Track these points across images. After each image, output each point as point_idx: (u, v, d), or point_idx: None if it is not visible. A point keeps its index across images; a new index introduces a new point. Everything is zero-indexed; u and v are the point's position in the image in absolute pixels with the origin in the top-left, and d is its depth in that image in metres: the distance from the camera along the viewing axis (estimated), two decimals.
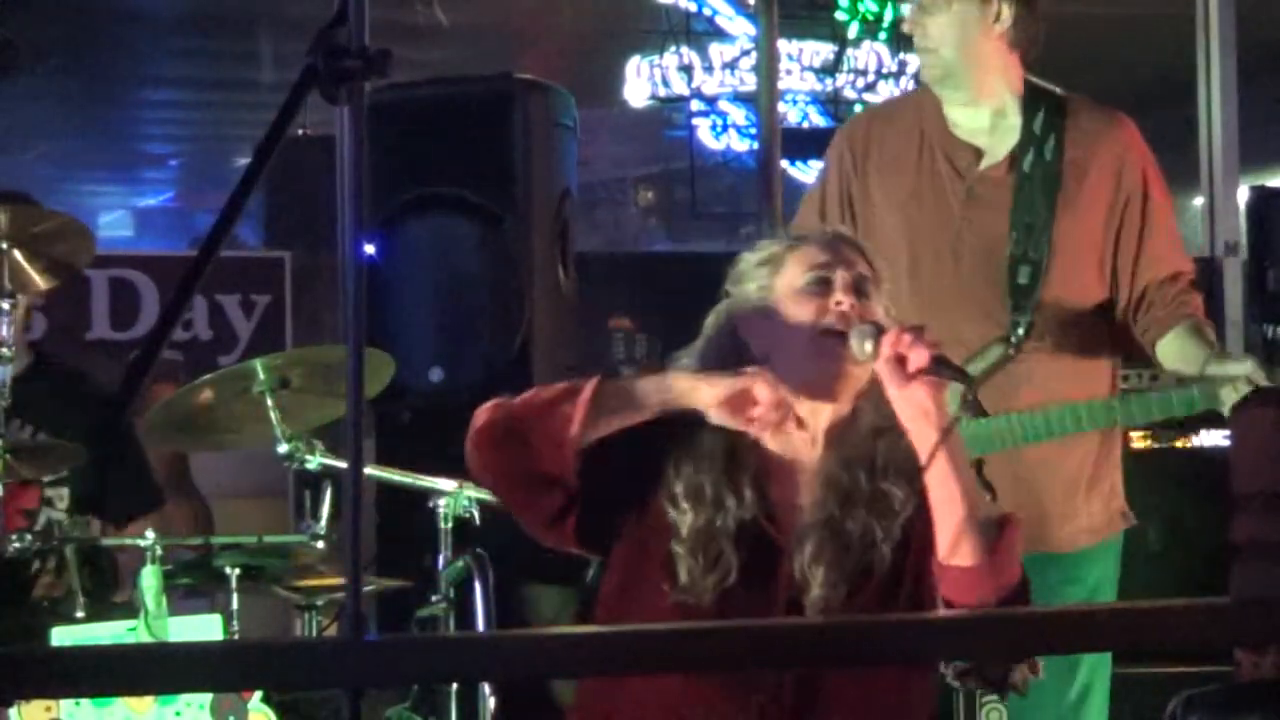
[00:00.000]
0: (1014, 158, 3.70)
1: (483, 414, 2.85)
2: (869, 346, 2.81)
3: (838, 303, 2.87)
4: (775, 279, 2.94)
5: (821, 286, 2.90)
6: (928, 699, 2.95)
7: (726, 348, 2.96)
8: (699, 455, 2.87)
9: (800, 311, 2.89)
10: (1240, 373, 3.52)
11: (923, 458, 2.77)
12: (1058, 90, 3.77)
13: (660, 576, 2.84)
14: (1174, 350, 3.67)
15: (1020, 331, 3.63)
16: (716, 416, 2.85)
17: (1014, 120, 3.72)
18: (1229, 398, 3.51)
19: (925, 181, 3.73)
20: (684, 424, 2.88)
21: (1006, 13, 3.68)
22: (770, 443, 2.89)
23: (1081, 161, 3.70)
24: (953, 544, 2.76)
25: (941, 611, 2.74)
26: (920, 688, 2.94)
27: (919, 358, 2.75)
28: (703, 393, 2.84)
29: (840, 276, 2.90)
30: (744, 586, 2.82)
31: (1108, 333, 3.76)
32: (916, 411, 2.76)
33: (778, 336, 2.90)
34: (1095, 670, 3.76)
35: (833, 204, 3.83)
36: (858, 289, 2.90)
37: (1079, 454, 3.70)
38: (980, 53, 3.69)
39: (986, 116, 3.74)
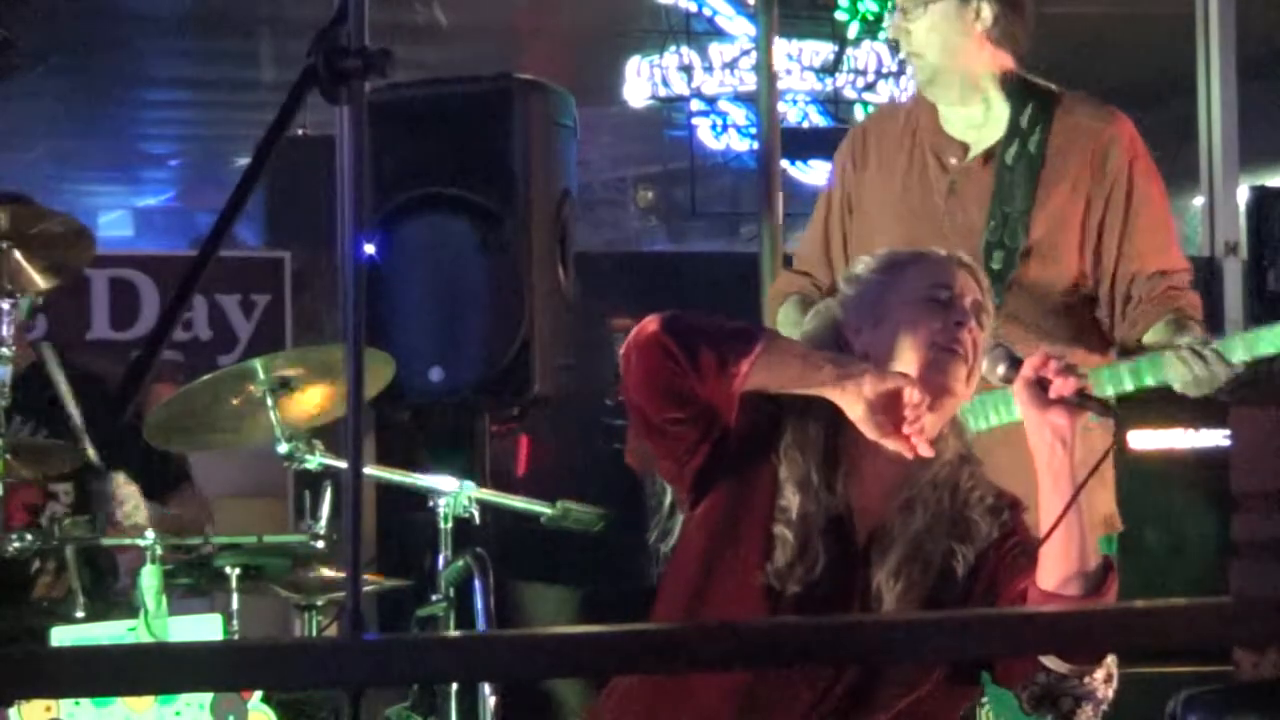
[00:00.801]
0: (996, 150, 3.72)
1: (653, 323, 2.79)
2: (1002, 369, 2.82)
3: (958, 322, 2.86)
4: (894, 286, 2.92)
5: (943, 303, 2.88)
6: (961, 710, 2.98)
7: (828, 347, 2.94)
8: (805, 441, 2.86)
9: (917, 322, 2.87)
10: (1183, 341, 3.49)
11: (1048, 483, 2.76)
12: (1054, 87, 3.78)
13: (755, 557, 2.83)
14: (1158, 343, 3.65)
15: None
16: (862, 416, 2.80)
17: (1002, 115, 3.74)
18: (1171, 364, 3.48)
19: (914, 181, 3.76)
20: (798, 405, 2.87)
21: (987, 11, 3.70)
22: (865, 446, 2.86)
23: (1064, 151, 3.71)
24: (1062, 575, 2.75)
25: (940, 612, 2.75)
26: (964, 701, 2.95)
27: (1066, 385, 2.73)
28: (862, 388, 2.79)
29: (965, 299, 2.90)
30: (826, 584, 2.83)
31: (1096, 327, 3.75)
32: (1054, 438, 2.74)
33: (887, 344, 2.88)
34: None
35: (835, 211, 3.87)
36: (976, 315, 2.90)
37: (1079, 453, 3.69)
38: (964, 53, 3.71)
39: (978, 112, 3.77)
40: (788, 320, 3.78)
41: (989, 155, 3.72)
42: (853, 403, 2.80)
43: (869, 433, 2.82)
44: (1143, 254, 3.70)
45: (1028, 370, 2.76)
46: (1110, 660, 2.86)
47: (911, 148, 3.78)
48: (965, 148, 3.75)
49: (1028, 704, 2.86)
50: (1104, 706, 2.89)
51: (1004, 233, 3.67)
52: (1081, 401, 2.75)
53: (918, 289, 2.90)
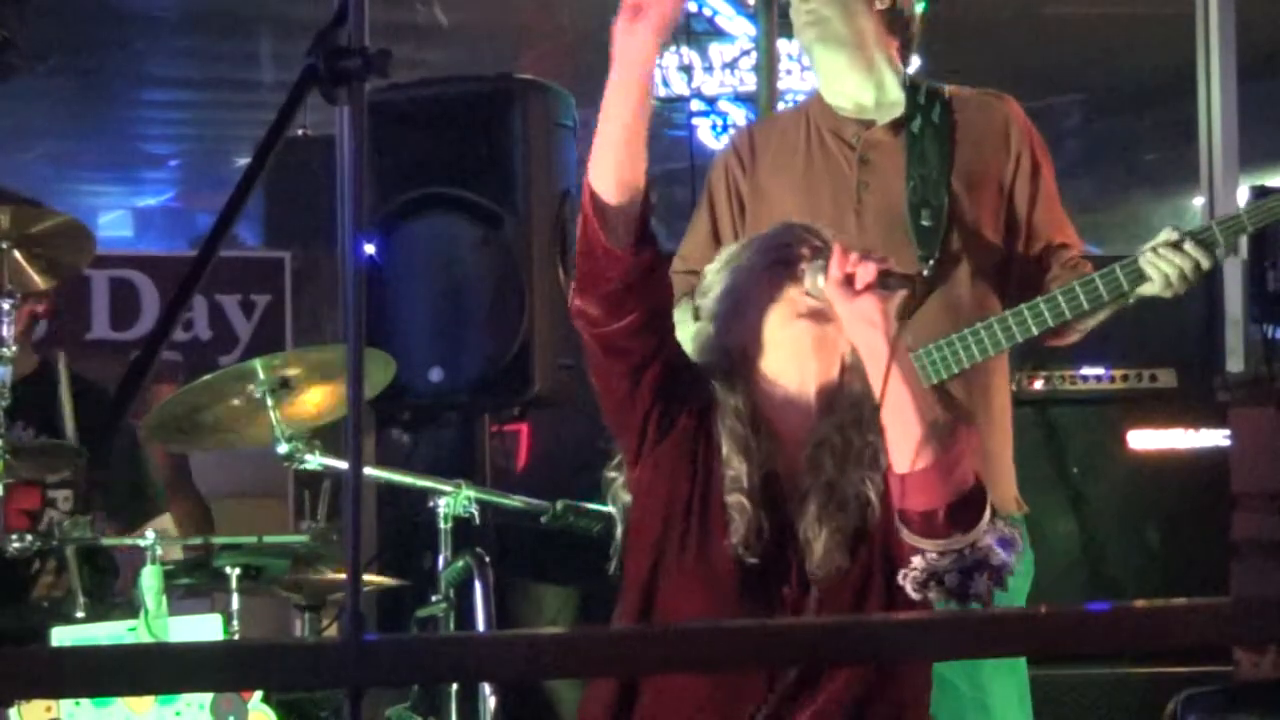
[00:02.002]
0: (901, 123, 3.79)
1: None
2: (820, 280, 2.93)
3: (803, 270, 2.98)
4: (738, 271, 3.05)
5: (785, 266, 3.01)
6: (924, 688, 2.99)
7: (718, 357, 3.05)
8: (738, 410, 2.96)
9: (772, 288, 2.99)
10: (1163, 238, 3.54)
11: (873, 368, 2.87)
12: (941, 85, 3.87)
13: (719, 531, 2.92)
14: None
15: (925, 273, 3.67)
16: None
17: (896, 96, 3.82)
18: (1151, 263, 3.52)
19: (817, 160, 3.82)
20: (721, 376, 2.99)
21: None
22: (776, 404, 2.98)
23: (968, 124, 3.79)
24: (907, 449, 2.84)
25: (939, 612, 2.76)
26: (918, 682, 2.97)
27: (866, 273, 2.86)
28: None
29: (801, 250, 3.02)
30: (771, 546, 2.91)
31: (1001, 293, 3.78)
32: (865, 323, 2.87)
33: (756, 325, 3.00)
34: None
35: (724, 216, 3.94)
36: (816, 254, 3.01)
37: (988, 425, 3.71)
38: (860, 22, 3.79)
39: (869, 92, 3.83)
40: (681, 319, 3.82)
41: (896, 127, 3.79)
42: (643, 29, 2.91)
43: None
44: (1051, 224, 3.79)
45: (834, 271, 2.89)
46: (1000, 522, 2.86)
47: (808, 134, 3.85)
48: (868, 124, 3.82)
49: (912, 589, 2.85)
50: (1007, 572, 2.86)
51: (926, 193, 3.73)
52: (885, 282, 2.86)
53: (758, 262, 3.03)
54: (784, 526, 2.93)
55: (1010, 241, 3.77)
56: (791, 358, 2.98)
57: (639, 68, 2.91)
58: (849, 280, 2.87)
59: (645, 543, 2.96)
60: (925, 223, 3.71)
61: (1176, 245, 3.52)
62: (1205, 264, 3.52)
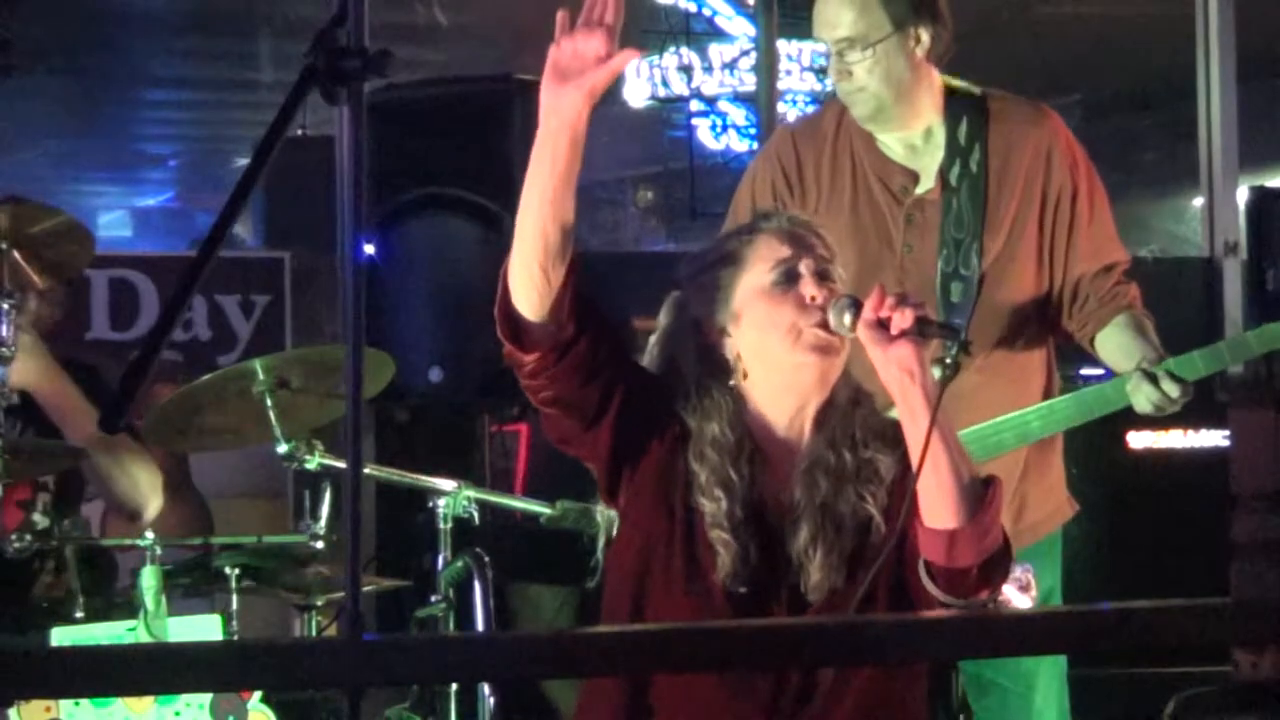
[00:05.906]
0: (942, 174, 3.69)
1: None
2: (848, 319, 2.81)
3: (812, 298, 2.87)
4: (738, 278, 2.92)
5: (790, 281, 2.89)
6: (920, 705, 2.96)
7: (694, 344, 2.95)
8: (715, 441, 2.86)
9: (774, 312, 2.87)
10: (1138, 361, 3.51)
11: (908, 418, 2.76)
12: (976, 91, 3.76)
13: (705, 562, 2.83)
14: (1114, 345, 3.65)
15: (954, 350, 3.62)
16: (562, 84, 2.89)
17: (939, 134, 3.71)
18: (1132, 389, 3.50)
19: (865, 213, 3.71)
20: (696, 408, 2.89)
21: (925, 35, 3.67)
22: (764, 428, 2.89)
23: (1007, 167, 3.69)
24: (939, 506, 2.74)
25: (940, 611, 2.75)
26: (915, 694, 2.94)
27: (903, 319, 2.74)
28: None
29: (806, 266, 2.90)
30: (761, 573, 2.83)
31: (1042, 329, 3.74)
32: (901, 372, 2.74)
33: (756, 342, 2.89)
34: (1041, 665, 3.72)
35: None
36: (823, 275, 2.90)
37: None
38: (907, 82, 3.67)
39: (917, 136, 3.73)
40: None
41: (941, 181, 3.69)
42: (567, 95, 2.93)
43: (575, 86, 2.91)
44: (1089, 253, 3.70)
45: (867, 313, 2.77)
46: (1017, 568, 2.83)
47: (853, 174, 3.73)
48: (914, 175, 3.71)
49: None
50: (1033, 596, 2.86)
51: (957, 262, 3.65)
52: (923, 330, 2.75)
53: (762, 274, 2.90)
54: (775, 550, 2.84)
55: (1049, 274, 3.70)
56: (792, 388, 2.88)
57: (565, 133, 2.84)
58: (883, 324, 2.76)
59: (627, 573, 2.87)
60: (954, 298, 3.63)
61: (1152, 379, 3.49)
62: (1174, 395, 3.48)
